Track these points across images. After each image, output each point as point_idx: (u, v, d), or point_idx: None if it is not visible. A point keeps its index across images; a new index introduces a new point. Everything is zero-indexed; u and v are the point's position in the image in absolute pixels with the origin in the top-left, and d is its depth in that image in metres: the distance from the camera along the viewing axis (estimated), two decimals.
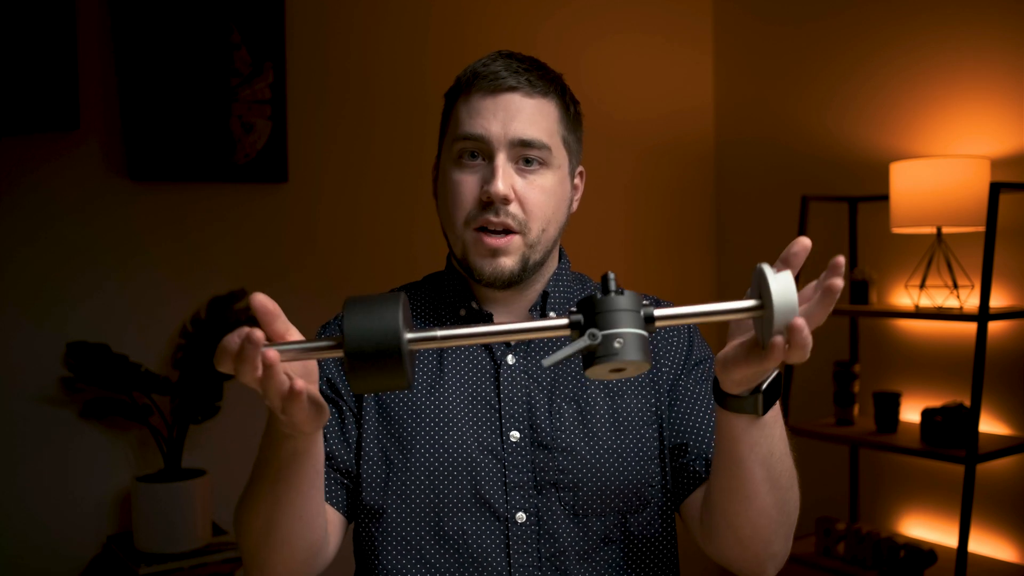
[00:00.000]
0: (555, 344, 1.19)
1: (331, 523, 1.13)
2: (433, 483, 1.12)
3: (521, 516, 1.11)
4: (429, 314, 1.24)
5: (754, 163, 3.42)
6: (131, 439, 2.43)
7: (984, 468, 2.62)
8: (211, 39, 2.50)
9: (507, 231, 1.12)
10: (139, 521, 2.24)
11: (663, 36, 3.42)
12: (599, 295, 0.80)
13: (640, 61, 3.34)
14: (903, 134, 2.91)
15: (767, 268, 0.80)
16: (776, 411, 0.96)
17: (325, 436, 1.15)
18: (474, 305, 1.19)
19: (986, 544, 2.69)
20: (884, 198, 2.79)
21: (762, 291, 0.80)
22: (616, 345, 0.77)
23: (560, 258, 1.25)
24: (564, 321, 0.80)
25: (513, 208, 1.11)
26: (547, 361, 0.79)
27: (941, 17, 2.81)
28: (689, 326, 1.23)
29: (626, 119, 3.31)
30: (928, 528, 2.85)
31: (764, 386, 0.90)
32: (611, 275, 0.81)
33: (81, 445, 2.37)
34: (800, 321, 0.77)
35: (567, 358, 0.80)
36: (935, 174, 2.51)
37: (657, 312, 0.81)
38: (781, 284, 0.78)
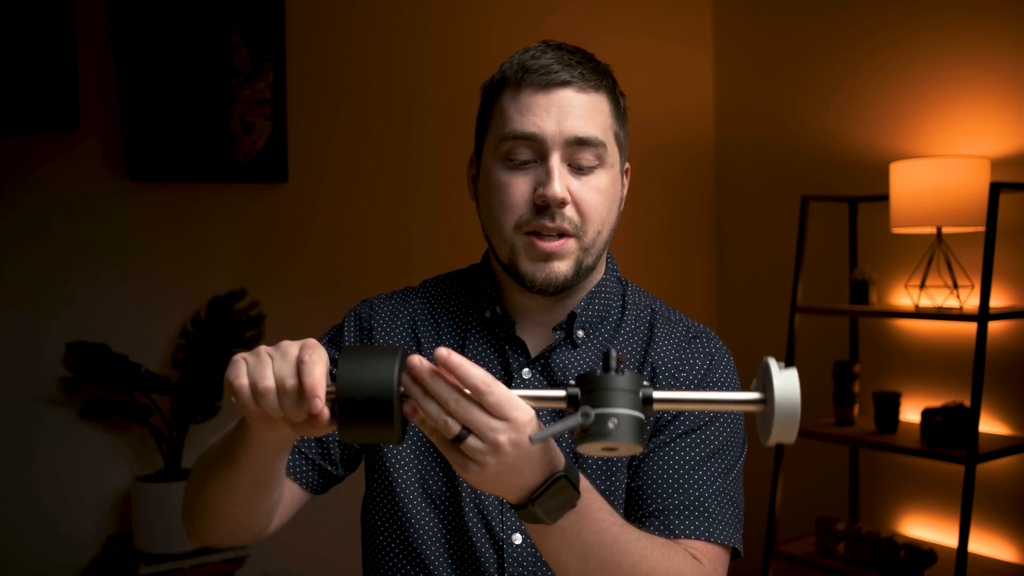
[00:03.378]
0: (577, 360, 1.13)
1: (285, 499, 1.11)
2: (433, 502, 1.11)
3: (517, 538, 1.09)
4: (456, 311, 1.18)
5: (754, 163, 3.42)
6: (131, 439, 2.43)
7: (984, 468, 2.62)
8: (211, 39, 2.50)
9: (561, 235, 1.05)
10: (139, 521, 2.24)
11: (663, 36, 3.42)
12: (599, 372, 0.80)
13: (640, 61, 3.34)
14: (903, 134, 2.91)
15: (772, 363, 0.79)
16: (590, 508, 0.89)
17: None
18: (498, 310, 1.13)
19: (986, 544, 2.68)
20: (884, 198, 2.78)
21: (766, 385, 0.80)
22: (610, 425, 0.77)
23: (607, 264, 1.18)
24: (561, 394, 0.81)
25: (568, 211, 1.04)
26: (536, 437, 0.78)
27: (941, 17, 2.81)
28: (721, 357, 1.16)
29: None
30: (928, 528, 2.85)
31: (537, 495, 0.84)
32: (613, 353, 0.80)
33: (81, 445, 2.37)
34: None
35: (557, 434, 0.79)
36: (935, 174, 2.51)
37: (656, 395, 0.80)
38: (785, 380, 0.78)
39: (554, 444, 0.87)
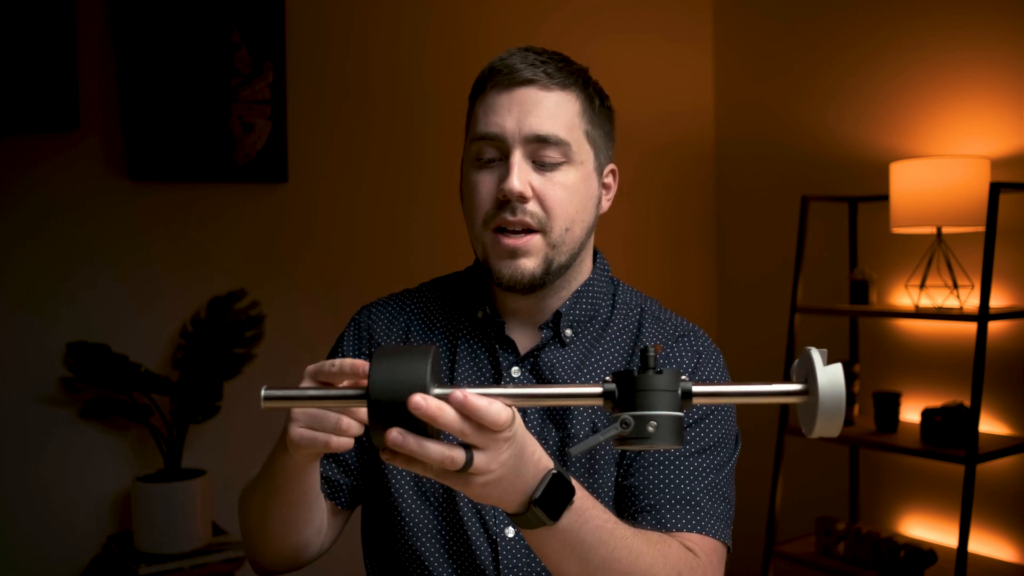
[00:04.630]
0: (565, 358, 1.13)
1: (327, 518, 1.15)
2: (427, 499, 1.12)
3: (510, 531, 1.10)
4: (449, 312, 1.19)
5: (754, 163, 3.42)
6: (131, 439, 2.43)
7: (984, 468, 2.62)
8: (211, 39, 2.50)
9: (527, 230, 1.06)
10: (139, 521, 2.24)
11: (663, 36, 3.42)
12: (637, 371, 0.79)
13: (640, 61, 3.34)
14: (903, 134, 2.91)
15: (815, 354, 0.78)
16: (584, 506, 0.89)
17: None
18: (488, 310, 1.14)
19: (986, 544, 2.69)
20: (884, 198, 2.78)
21: (808, 377, 0.79)
22: (649, 429, 0.77)
23: (595, 264, 1.19)
24: (598, 390, 0.80)
25: (532, 206, 1.05)
26: (575, 450, 0.79)
27: (941, 17, 2.81)
28: (708, 355, 1.16)
29: (626, 119, 3.28)
30: (928, 528, 2.85)
31: (538, 494, 0.84)
32: (651, 351, 0.79)
33: (81, 445, 2.37)
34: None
35: (598, 445, 0.79)
36: (935, 174, 2.51)
37: (696, 388, 0.80)
38: (830, 375, 0.77)
39: (540, 446, 0.87)
